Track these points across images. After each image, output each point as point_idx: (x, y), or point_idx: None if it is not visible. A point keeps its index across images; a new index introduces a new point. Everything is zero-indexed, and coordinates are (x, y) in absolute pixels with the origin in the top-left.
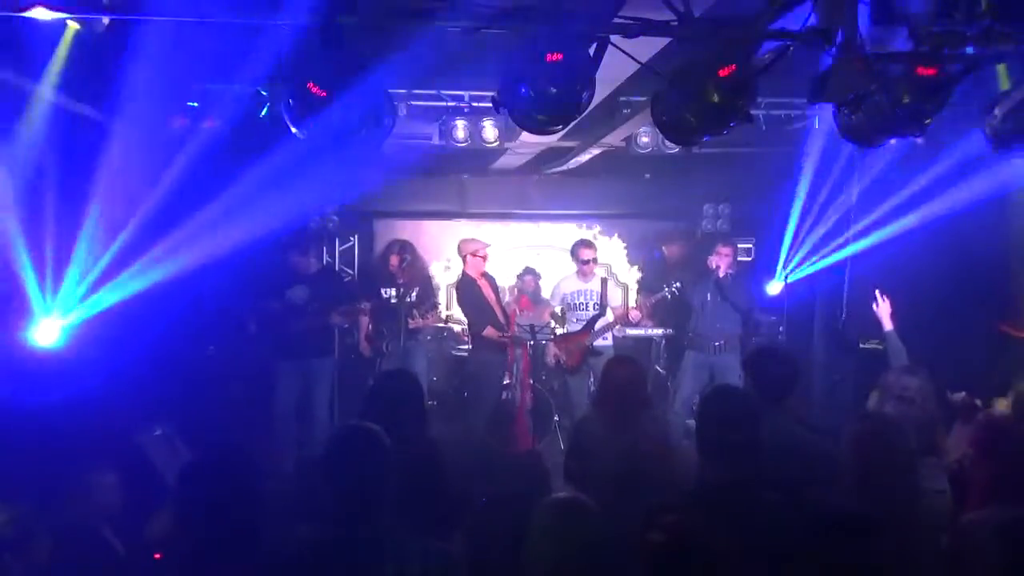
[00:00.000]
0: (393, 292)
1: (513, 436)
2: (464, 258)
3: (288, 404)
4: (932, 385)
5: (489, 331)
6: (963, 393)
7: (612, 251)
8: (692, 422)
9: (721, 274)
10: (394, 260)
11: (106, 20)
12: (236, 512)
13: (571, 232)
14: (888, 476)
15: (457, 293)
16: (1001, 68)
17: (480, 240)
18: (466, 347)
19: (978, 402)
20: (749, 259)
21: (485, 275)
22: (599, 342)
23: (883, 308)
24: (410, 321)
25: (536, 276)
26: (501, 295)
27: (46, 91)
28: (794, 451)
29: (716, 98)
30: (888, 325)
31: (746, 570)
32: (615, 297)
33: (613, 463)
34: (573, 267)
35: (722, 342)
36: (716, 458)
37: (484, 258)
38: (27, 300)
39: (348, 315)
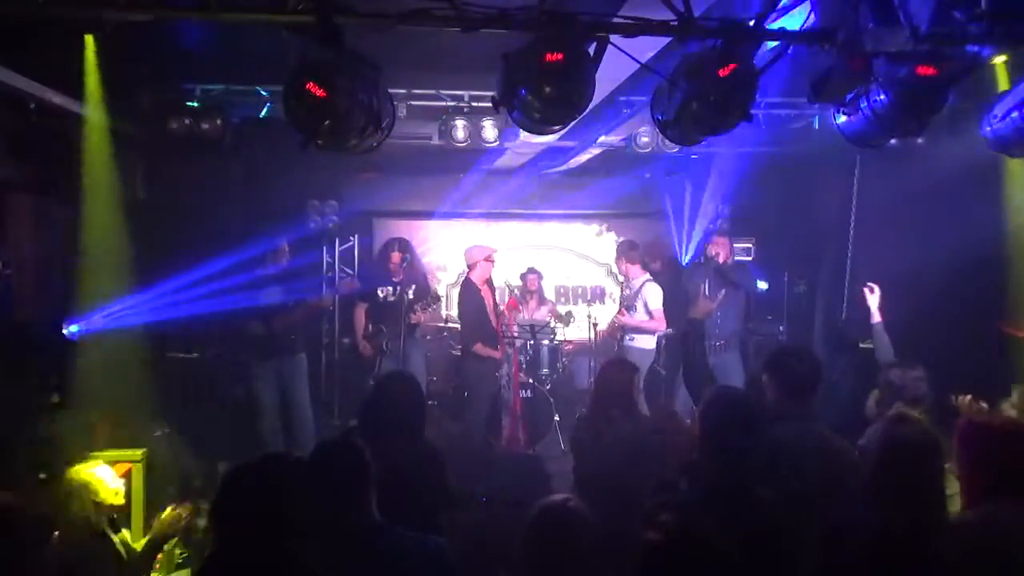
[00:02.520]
0: (390, 291)
1: (506, 436)
2: (473, 265)
3: (273, 403)
4: (926, 379)
5: (478, 347)
6: (968, 397)
7: (612, 251)
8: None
9: (721, 260)
10: (396, 257)
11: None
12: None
13: (571, 232)
14: (916, 484)
15: (459, 298)
16: (1000, 66)
17: (487, 246)
18: None
19: (984, 404)
20: (749, 259)
21: (488, 282)
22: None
23: (872, 299)
24: (411, 316)
25: (539, 275)
26: (500, 296)
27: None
28: (819, 453)
29: (716, 98)
30: (876, 317)
31: (744, 572)
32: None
33: (602, 464)
34: (574, 268)
35: (723, 342)
36: (716, 459)
37: (493, 263)
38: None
39: (309, 310)
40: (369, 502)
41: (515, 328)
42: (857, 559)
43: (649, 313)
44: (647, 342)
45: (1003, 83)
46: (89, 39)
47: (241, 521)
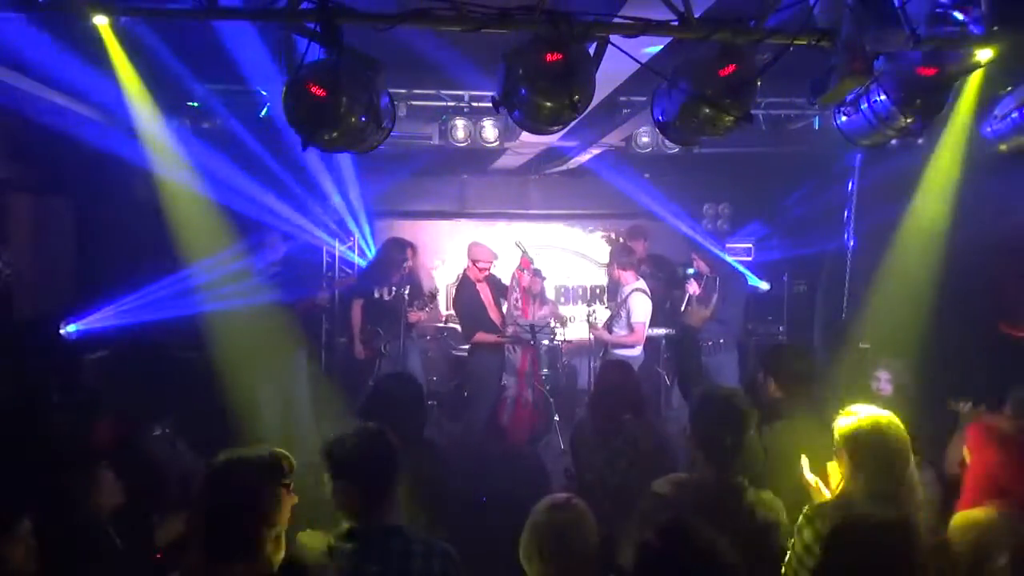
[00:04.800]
0: (386, 291)
1: (507, 433)
2: (471, 262)
3: (272, 402)
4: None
5: (479, 336)
6: (969, 403)
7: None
8: None
9: (694, 291)
10: (410, 252)
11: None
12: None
13: (571, 232)
14: (876, 471)
15: (455, 294)
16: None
17: (490, 251)
18: (466, 347)
19: (983, 408)
20: (749, 259)
21: (489, 278)
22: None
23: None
24: (409, 314)
25: (541, 277)
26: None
27: None
28: (816, 452)
29: (716, 99)
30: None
31: (741, 569)
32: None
33: (603, 465)
34: (574, 268)
35: (716, 341)
36: (709, 457)
37: (484, 270)
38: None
39: (308, 307)
40: (393, 502)
41: (516, 328)
42: (846, 555)
43: (631, 326)
44: (632, 350)
45: (972, 88)
46: (105, 29)
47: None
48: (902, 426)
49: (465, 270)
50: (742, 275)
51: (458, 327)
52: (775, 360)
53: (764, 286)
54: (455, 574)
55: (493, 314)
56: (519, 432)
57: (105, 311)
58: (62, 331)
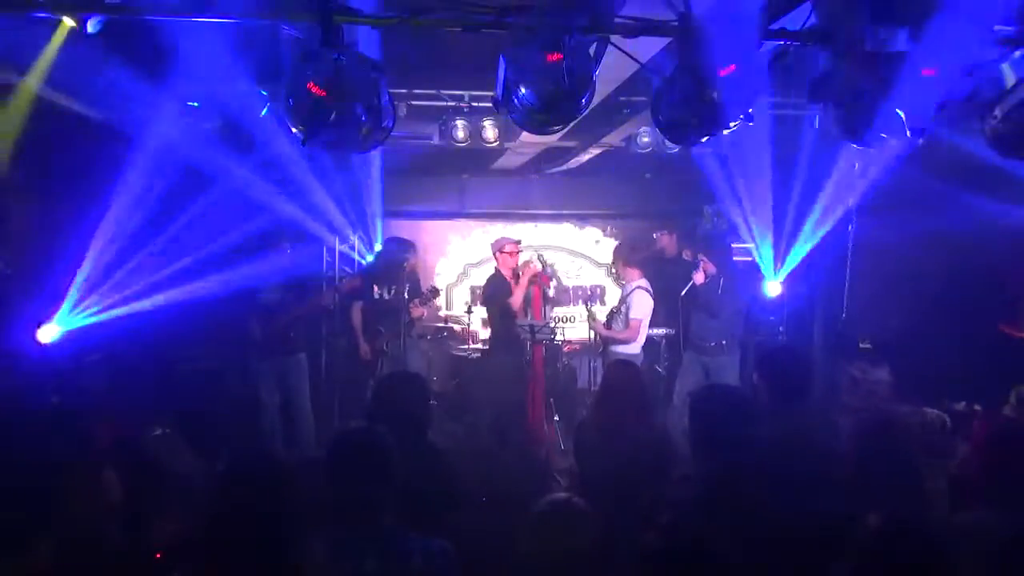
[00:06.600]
0: (386, 291)
1: (533, 433)
2: (495, 255)
3: (273, 403)
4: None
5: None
6: (963, 403)
7: (611, 251)
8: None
9: (699, 281)
10: (411, 251)
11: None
12: (267, 519)
13: (571, 232)
14: (889, 474)
15: (485, 290)
16: (1006, 66)
17: (510, 237)
18: (466, 347)
19: (977, 408)
20: (748, 259)
21: (516, 274)
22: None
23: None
24: (411, 310)
25: (549, 277)
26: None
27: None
28: (806, 451)
29: (717, 99)
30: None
31: (742, 568)
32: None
33: (606, 466)
34: (574, 268)
35: (719, 342)
36: (709, 456)
37: (512, 254)
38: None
39: (313, 308)
40: (386, 504)
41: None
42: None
43: (627, 321)
44: (632, 348)
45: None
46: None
47: (241, 523)
48: None
49: (496, 267)
50: (745, 276)
51: (456, 327)
52: (766, 361)
53: (776, 289)
54: (455, 574)
55: (519, 314)
56: (540, 434)
57: (103, 311)
58: (47, 333)
